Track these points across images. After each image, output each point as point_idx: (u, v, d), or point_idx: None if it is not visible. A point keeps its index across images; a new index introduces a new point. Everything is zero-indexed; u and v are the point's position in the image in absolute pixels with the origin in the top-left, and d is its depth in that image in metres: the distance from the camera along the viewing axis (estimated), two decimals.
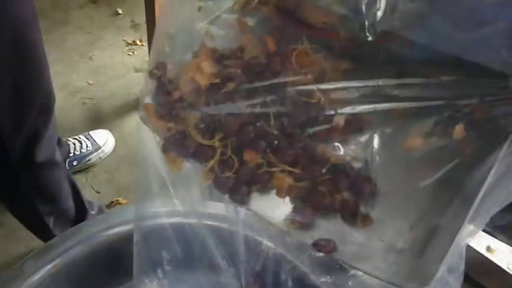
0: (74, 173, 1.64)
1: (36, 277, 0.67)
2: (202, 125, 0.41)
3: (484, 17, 0.30)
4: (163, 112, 0.42)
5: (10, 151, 1.04)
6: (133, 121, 1.85)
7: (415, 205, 0.36)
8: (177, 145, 0.43)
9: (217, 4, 0.49)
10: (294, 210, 0.40)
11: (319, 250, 0.38)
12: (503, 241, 0.73)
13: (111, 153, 1.76)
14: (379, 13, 0.34)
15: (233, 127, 0.41)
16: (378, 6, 0.34)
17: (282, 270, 0.66)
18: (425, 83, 0.33)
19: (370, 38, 0.34)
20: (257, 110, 0.40)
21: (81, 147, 1.68)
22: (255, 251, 0.66)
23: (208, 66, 0.43)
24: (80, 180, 1.64)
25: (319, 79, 0.40)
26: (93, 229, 0.71)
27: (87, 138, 1.71)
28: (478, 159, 0.32)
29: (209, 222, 0.67)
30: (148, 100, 0.43)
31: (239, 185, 0.42)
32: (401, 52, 0.35)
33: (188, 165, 0.48)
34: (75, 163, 1.66)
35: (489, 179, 0.31)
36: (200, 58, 0.43)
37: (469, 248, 0.80)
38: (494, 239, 0.80)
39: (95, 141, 1.71)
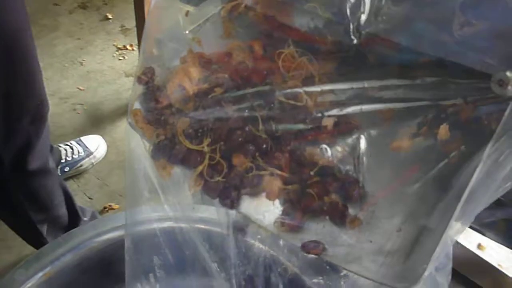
0: (66, 179, 1.64)
1: (27, 285, 0.66)
2: (191, 131, 0.41)
3: (465, 19, 0.30)
4: (151, 118, 0.42)
5: (2, 158, 1.04)
6: (125, 126, 1.84)
7: (403, 206, 0.36)
8: (166, 152, 0.43)
9: (205, 9, 0.49)
10: (284, 212, 0.40)
11: (308, 252, 0.38)
12: (491, 238, 0.73)
13: (103, 158, 1.76)
14: (363, 17, 0.35)
15: (221, 132, 0.41)
16: (362, 9, 0.35)
17: (273, 272, 0.66)
18: (410, 85, 0.34)
19: (355, 41, 0.35)
20: (245, 114, 0.40)
21: (72, 153, 1.67)
22: (247, 254, 0.66)
23: (195, 72, 0.43)
24: (72, 186, 1.64)
25: (306, 83, 0.41)
26: (83, 236, 0.71)
27: (79, 144, 1.70)
28: (464, 159, 0.33)
29: (200, 226, 0.67)
30: (136, 105, 0.43)
31: (228, 190, 0.42)
32: (385, 54, 0.35)
33: (178, 170, 0.48)
34: (66, 169, 1.66)
35: (475, 178, 0.31)
36: (187, 64, 0.43)
37: (460, 246, 0.81)
38: (484, 236, 0.81)
39: (86, 146, 1.71)
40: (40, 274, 0.67)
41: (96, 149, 1.73)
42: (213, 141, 0.41)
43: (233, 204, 0.42)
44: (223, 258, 0.65)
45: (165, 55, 0.44)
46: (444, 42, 0.32)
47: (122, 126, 1.84)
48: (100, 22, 2.32)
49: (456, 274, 0.83)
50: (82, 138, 1.74)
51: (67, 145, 1.69)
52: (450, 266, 0.37)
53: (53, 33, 2.20)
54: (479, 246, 0.80)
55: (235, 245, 0.65)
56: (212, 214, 0.68)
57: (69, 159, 1.66)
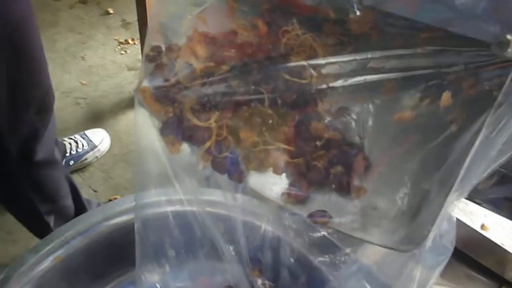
0: (71, 172, 1.65)
1: (38, 269, 0.67)
2: (198, 107, 0.42)
3: None
4: (160, 95, 0.43)
5: (9, 149, 1.05)
6: (127, 119, 1.86)
7: (406, 174, 0.37)
8: (174, 128, 0.44)
9: None
10: (291, 184, 0.41)
11: (315, 222, 0.39)
12: (496, 212, 0.74)
13: (107, 152, 1.77)
14: None
15: (228, 108, 0.42)
16: None
17: (281, 252, 0.67)
18: (411, 54, 0.35)
19: (358, 13, 0.36)
20: (251, 89, 0.41)
21: (77, 147, 1.69)
22: (255, 236, 0.68)
23: (201, 50, 0.44)
24: (76, 179, 1.65)
25: (310, 58, 0.41)
26: (92, 220, 0.72)
27: (83, 138, 1.72)
28: (466, 126, 0.34)
29: (209, 209, 0.68)
30: (145, 83, 0.44)
31: (236, 165, 0.43)
32: (387, 26, 0.36)
33: (188, 153, 0.49)
34: (71, 162, 1.67)
35: (477, 144, 0.32)
36: (193, 43, 0.44)
37: (464, 226, 0.82)
38: (488, 217, 0.82)
39: (91, 140, 1.73)
40: (51, 257, 0.68)
41: (100, 143, 1.75)
42: (220, 117, 0.42)
43: (241, 178, 0.43)
44: (232, 240, 0.66)
45: (171, 35, 0.45)
46: (445, 12, 0.33)
47: (125, 120, 1.86)
48: (101, 17, 2.33)
49: (460, 254, 0.84)
50: (86, 132, 1.75)
51: (71, 139, 1.70)
52: (454, 232, 0.38)
53: (53, 28, 2.22)
54: (483, 226, 0.81)
55: (243, 227, 0.66)
56: (219, 197, 0.69)
57: (74, 152, 1.68)
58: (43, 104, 1.07)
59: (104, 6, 2.37)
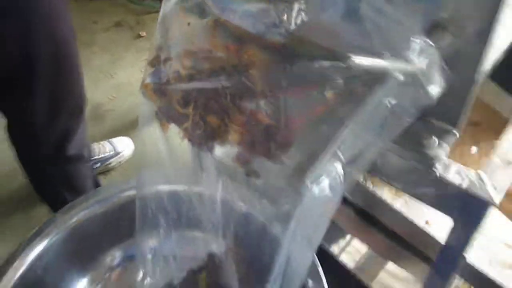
0: (96, 174, 1.84)
1: (65, 226, 0.86)
2: (181, 100, 0.62)
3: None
4: (156, 89, 0.63)
5: (44, 143, 1.24)
6: (149, 130, 2.05)
7: (309, 143, 0.55)
8: (165, 114, 0.63)
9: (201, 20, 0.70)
10: (238, 153, 0.60)
11: (237, 162, 0.58)
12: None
13: (130, 158, 1.97)
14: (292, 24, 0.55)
15: (201, 101, 0.61)
16: (291, 19, 0.55)
17: (250, 224, 0.84)
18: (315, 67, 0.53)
19: (287, 42, 0.55)
20: (219, 87, 0.60)
21: (103, 152, 1.89)
22: (230, 212, 0.85)
23: (187, 62, 0.63)
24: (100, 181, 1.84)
25: (261, 70, 0.60)
26: (108, 192, 0.90)
27: (109, 144, 1.92)
28: (346, 113, 0.52)
29: (195, 189, 0.86)
30: (147, 80, 0.64)
31: (206, 140, 0.62)
32: (304, 49, 0.55)
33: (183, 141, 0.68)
34: (97, 165, 1.86)
35: (347, 128, 0.51)
36: (182, 57, 0.64)
37: (411, 222, 0.98)
38: (432, 214, 0.97)
39: (116, 146, 1.92)
40: (74, 219, 0.86)
41: (124, 149, 1.93)
42: (195, 107, 0.61)
43: (209, 149, 0.62)
44: (211, 214, 0.83)
45: (168, 49, 0.65)
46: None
47: (148, 130, 2.05)
48: (133, 40, 2.57)
49: (408, 245, 1.00)
50: (113, 139, 1.95)
51: (99, 144, 1.90)
52: (341, 187, 0.55)
53: (89, 48, 2.46)
54: (427, 222, 0.97)
55: (222, 205, 0.84)
56: (204, 179, 0.86)
57: (100, 156, 1.87)
58: (76, 108, 1.26)
59: (136, 30, 2.62)
